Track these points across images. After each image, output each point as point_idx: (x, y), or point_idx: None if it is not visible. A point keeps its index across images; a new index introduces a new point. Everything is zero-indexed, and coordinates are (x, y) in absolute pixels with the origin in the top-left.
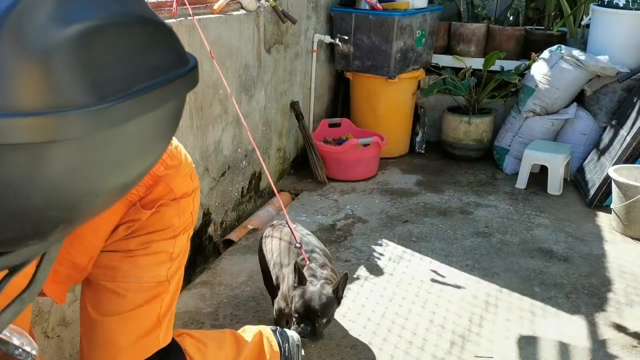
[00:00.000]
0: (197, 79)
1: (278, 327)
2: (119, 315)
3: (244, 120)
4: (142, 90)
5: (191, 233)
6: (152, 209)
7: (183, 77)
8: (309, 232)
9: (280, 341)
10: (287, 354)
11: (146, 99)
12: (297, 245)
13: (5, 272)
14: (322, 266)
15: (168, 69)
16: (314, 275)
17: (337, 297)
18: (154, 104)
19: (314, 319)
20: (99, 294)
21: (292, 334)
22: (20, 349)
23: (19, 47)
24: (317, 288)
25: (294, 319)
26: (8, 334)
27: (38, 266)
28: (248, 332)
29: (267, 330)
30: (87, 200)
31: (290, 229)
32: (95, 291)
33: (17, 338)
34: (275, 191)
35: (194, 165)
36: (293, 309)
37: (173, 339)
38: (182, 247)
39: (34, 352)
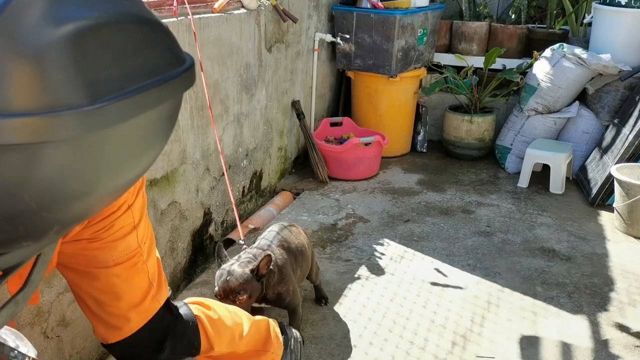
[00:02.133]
0: (194, 79)
1: (283, 322)
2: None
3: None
4: (137, 91)
5: (144, 184)
6: None
7: (179, 77)
8: (281, 229)
9: (288, 334)
10: (291, 347)
11: (141, 99)
12: (240, 242)
13: (0, 273)
14: (254, 252)
15: (163, 69)
16: (237, 259)
17: (256, 275)
18: (149, 105)
19: (233, 296)
20: (82, 274)
21: (295, 331)
22: (16, 351)
23: (12, 46)
24: (232, 267)
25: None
26: (4, 336)
27: (32, 267)
28: (258, 317)
29: (273, 321)
30: (81, 201)
31: (238, 226)
32: (76, 273)
33: (13, 340)
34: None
35: None
36: (214, 292)
37: (187, 306)
38: (140, 207)
39: (31, 354)
